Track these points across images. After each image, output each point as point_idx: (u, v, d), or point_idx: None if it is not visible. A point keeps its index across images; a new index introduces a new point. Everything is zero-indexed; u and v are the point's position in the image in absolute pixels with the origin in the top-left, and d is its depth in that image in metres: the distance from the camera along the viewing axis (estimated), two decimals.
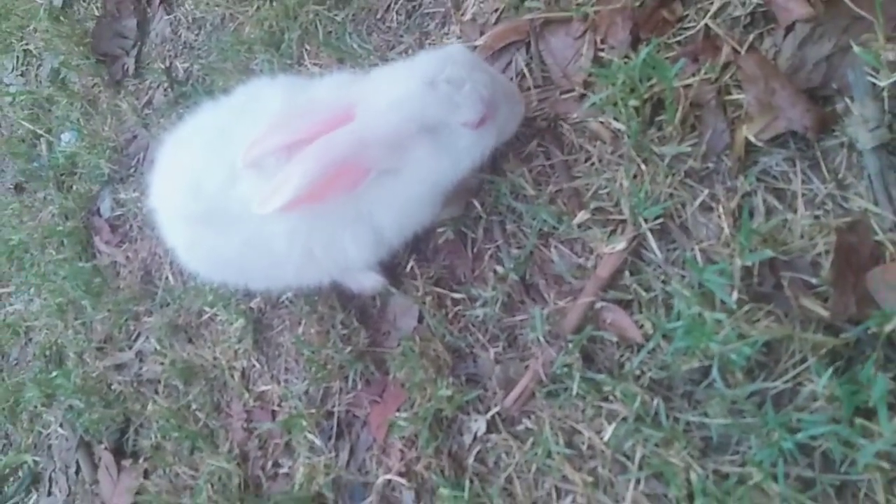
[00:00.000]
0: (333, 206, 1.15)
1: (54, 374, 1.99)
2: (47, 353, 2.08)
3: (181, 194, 1.19)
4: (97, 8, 2.33)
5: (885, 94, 0.99)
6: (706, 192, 1.13)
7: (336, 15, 1.66)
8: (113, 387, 1.85)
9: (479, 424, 1.24)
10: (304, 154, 1.04)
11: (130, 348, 1.86)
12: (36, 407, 2.04)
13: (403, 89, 1.07)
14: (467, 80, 1.07)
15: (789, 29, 1.10)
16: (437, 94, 1.06)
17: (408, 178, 1.14)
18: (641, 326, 1.11)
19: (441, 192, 1.20)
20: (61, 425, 1.96)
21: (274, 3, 1.74)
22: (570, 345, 1.15)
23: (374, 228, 1.20)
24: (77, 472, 1.87)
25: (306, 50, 1.69)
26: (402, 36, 1.55)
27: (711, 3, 1.18)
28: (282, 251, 1.18)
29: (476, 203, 1.33)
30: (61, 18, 2.41)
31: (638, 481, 1.08)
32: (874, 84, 1.00)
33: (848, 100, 1.04)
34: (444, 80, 1.06)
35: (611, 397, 1.12)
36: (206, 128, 1.25)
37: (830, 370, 0.92)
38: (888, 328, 0.90)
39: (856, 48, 0.99)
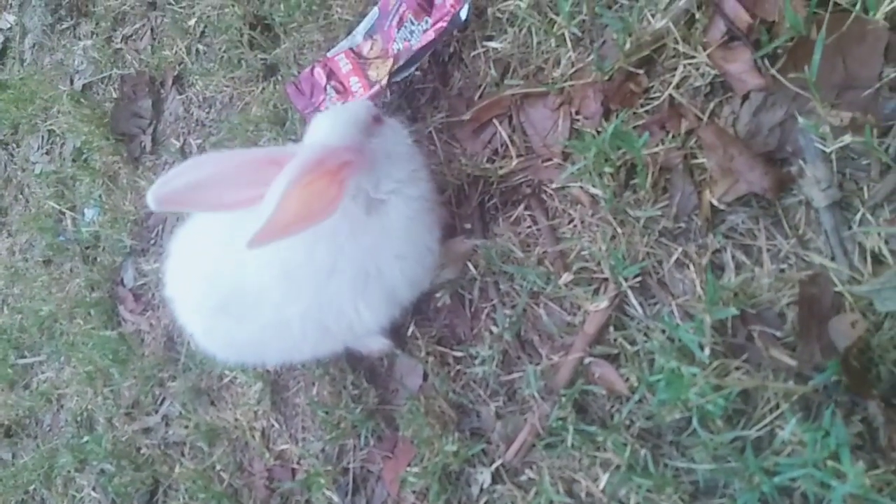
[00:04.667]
0: (342, 278, 1.22)
1: (86, 439, 2.10)
2: (78, 419, 2.19)
3: (197, 286, 1.29)
4: (115, 90, 2.49)
5: (833, 156, 1.08)
6: (680, 250, 1.22)
7: None
8: (142, 450, 1.95)
9: (484, 476, 1.32)
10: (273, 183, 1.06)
11: (157, 412, 1.96)
12: (69, 472, 2.15)
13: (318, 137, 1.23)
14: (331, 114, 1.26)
15: (745, 98, 1.20)
16: (331, 122, 1.23)
17: (395, 216, 1.23)
18: (627, 380, 1.20)
19: (433, 211, 1.31)
20: (94, 489, 2.06)
21: (278, 86, 1.88)
22: (564, 399, 1.24)
23: (385, 288, 1.26)
24: None
25: None
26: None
27: (674, 75, 1.29)
28: (297, 332, 1.25)
29: (471, 266, 1.43)
30: (82, 101, 2.58)
31: None
32: (823, 149, 1.09)
33: (801, 162, 1.13)
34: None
35: (603, 447, 1.19)
36: (217, 217, 1.32)
37: (795, 418, 0.99)
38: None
39: (800, 120, 1.09)
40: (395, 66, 1.51)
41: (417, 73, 1.65)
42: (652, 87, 1.31)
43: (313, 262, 1.19)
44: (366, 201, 1.21)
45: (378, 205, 1.22)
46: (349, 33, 1.67)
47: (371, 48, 1.57)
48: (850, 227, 1.08)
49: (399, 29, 1.53)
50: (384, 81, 1.51)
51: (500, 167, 1.43)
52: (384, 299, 1.29)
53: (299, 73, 1.71)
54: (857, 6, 1.07)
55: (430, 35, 1.48)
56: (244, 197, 1.12)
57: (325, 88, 1.61)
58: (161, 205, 1.07)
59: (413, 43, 1.50)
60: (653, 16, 1.27)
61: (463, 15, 1.47)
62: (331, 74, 1.59)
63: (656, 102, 1.30)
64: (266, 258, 1.19)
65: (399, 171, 1.25)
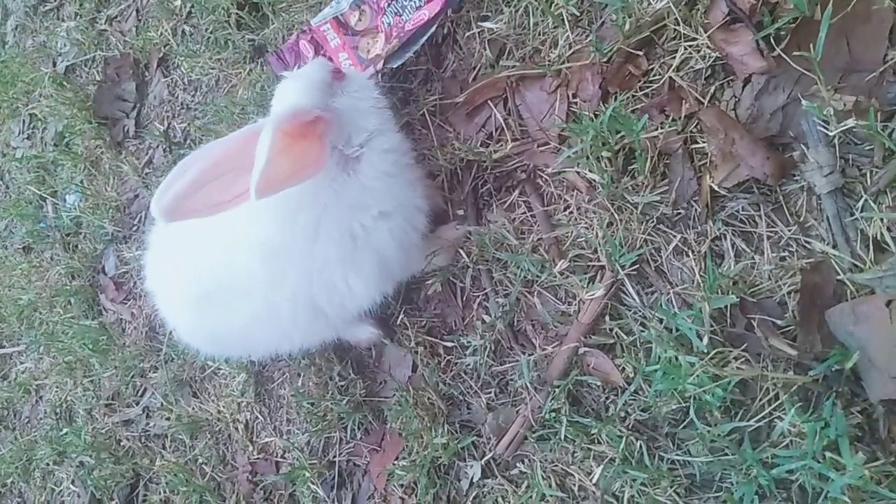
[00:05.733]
0: (329, 243, 1.16)
1: (65, 431, 2.05)
2: (58, 410, 2.14)
3: (180, 278, 1.24)
4: (98, 73, 2.43)
5: (835, 141, 1.05)
6: (678, 237, 1.19)
7: None
8: (122, 443, 1.90)
9: (474, 470, 1.28)
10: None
11: (138, 404, 1.91)
12: (48, 464, 2.09)
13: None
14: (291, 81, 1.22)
15: (747, 81, 1.17)
16: (294, 89, 1.19)
17: (371, 172, 1.18)
18: (623, 370, 1.16)
19: (412, 167, 1.27)
20: (73, 482, 2.00)
21: (265, 67, 1.83)
22: (557, 390, 1.20)
23: (375, 254, 1.20)
24: None
25: None
26: (387, 95, 1.62)
27: (674, 58, 1.25)
28: (288, 317, 1.20)
29: (463, 253, 1.39)
30: (64, 84, 2.51)
31: None
32: (826, 133, 1.06)
33: (804, 147, 1.10)
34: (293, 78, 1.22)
35: (598, 439, 1.16)
36: None
37: (794, 409, 0.96)
38: (849, 365, 0.94)
39: (804, 103, 1.05)
40: (389, 49, 1.45)
41: (389, 69, 1.61)
42: (651, 69, 1.27)
43: (297, 230, 1.14)
44: (341, 159, 1.16)
45: (353, 162, 1.18)
46: None
47: (359, 19, 1.52)
48: (852, 214, 1.05)
49: (390, 2, 1.48)
50: (379, 65, 1.46)
51: (495, 151, 1.39)
52: (375, 267, 1.21)
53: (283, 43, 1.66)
54: None
55: (424, 14, 1.43)
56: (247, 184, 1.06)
57: None
58: (170, 215, 1.00)
59: (405, 18, 1.45)
60: None
61: None
62: (318, 48, 1.54)
63: (656, 85, 1.26)
64: (249, 239, 1.16)
65: (367, 122, 1.20)
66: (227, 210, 1.06)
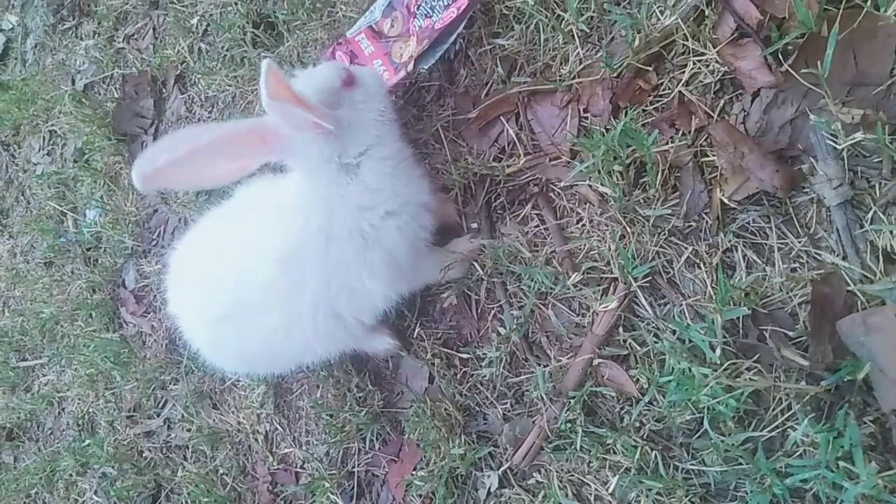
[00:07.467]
0: (342, 242, 1.20)
1: (87, 442, 2.09)
2: (80, 422, 2.18)
3: (200, 300, 1.28)
4: (116, 90, 2.48)
5: (844, 154, 1.07)
6: (690, 249, 1.20)
7: None
8: (144, 454, 1.94)
9: (492, 480, 1.31)
10: None
11: (159, 416, 1.95)
12: (71, 475, 2.13)
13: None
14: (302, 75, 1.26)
15: (755, 95, 1.19)
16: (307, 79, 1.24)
17: (371, 177, 1.22)
18: (637, 381, 1.18)
19: (413, 167, 1.30)
20: (96, 493, 2.04)
21: None
22: (572, 401, 1.22)
23: (385, 251, 1.23)
24: None
25: None
26: (400, 110, 1.65)
27: (683, 73, 1.28)
28: (309, 326, 1.23)
29: (477, 266, 1.42)
30: (84, 101, 2.56)
31: None
32: (834, 146, 1.08)
33: (813, 159, 1.11)
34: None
35: (613, 450, 1.18)
36: (212, 231, 1.33)
37: (807, 419, 0.98)
38: (860, 375, 0.96)
39: (812, 116, 1.07)
40: (420, 50, 1.47)
41: (422, 71, 1.64)
42: (661, 84, 1.30)
43: (311, 236, 1.18)
44: (338, 167, 1.21)
45: (353, 168, 1.22)
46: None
47: (391, 26, 1.54)
48: (861, 226, 1.07)
49: (419, 5, 1.50)
50: (409, 67, 1.48)
51: (508, 165, 1.41)
52: (387, 266, 1.24)
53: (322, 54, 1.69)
54: (868, 2, 1.06)
55: (452, 13, 1.44)
56: (224, 171, 1.12)
57: None
58: (146, 182, 1.05)
59: (434, 19, 1.46)
60: (661, 12, 1.26)
61: None
62: (353, 57, 1.57)
63: (666, 100, 1.28)
64: (266, 253, 1.19)
65: (366, 136, 1.23)
66: (202, 187, 1.11)
